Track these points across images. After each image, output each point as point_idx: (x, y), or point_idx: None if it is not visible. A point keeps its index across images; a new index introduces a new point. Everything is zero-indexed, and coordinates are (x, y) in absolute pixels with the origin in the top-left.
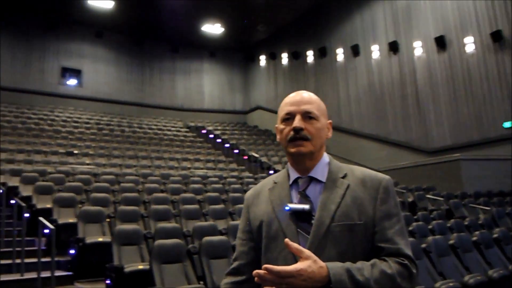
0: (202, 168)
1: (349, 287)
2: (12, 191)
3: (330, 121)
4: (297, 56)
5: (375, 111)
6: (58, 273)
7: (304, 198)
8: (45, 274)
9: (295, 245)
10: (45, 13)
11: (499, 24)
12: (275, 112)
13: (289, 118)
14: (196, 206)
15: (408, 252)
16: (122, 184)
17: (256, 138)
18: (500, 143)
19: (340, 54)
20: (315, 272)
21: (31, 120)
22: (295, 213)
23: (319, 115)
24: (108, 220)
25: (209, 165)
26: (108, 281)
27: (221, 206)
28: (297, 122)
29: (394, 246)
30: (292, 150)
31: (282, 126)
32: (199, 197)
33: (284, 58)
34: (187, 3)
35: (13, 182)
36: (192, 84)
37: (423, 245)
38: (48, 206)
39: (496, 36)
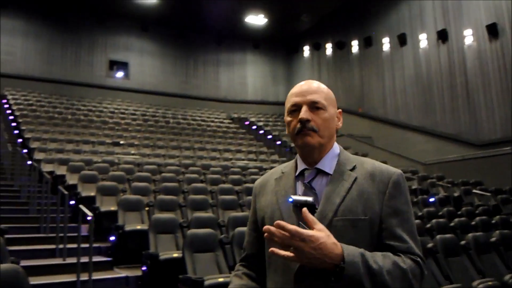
0: (243, 159)
1: (362, 271)
2: (60, 179)
3: (340, 110)
4: (341, 46)
5: (422, 102)
6: (99, 258)
7: (309, 190)
8: (86, 259)
9: (311, 216)
10: (94, 8)
11: None
12: None
13: (295, 109)
14: (233, 197)
15: (419, 251)
16: (163, 174)
17: None
18: None
19: (386, 44)
20: (327, 244)
21: (80, 111)
22: (298, 205)
23: (326, 105)
24: (147, 208)
25: (251, 156)
26: (144, 268)
27: None
28: (303, 113)
29: (404, 244)
30: (299, 142)
31: (289, 118)
32: (237, 187)
33: (328, 48)
34: None
35: (61, 171)
36: (236, 75)
37: (462, 242)
38: (92, 194)
39: None
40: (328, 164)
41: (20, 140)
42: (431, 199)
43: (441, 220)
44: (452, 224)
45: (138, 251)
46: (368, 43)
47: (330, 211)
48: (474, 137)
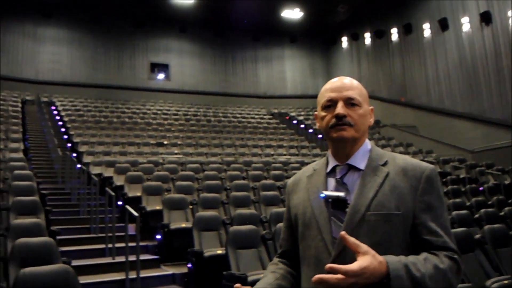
0: (285, 154)
1: (406, 284)
2: (107, 181)
3: (371, 107)
4: (380, 35)
5: (468, 88)
6: (146, 256)
7: (341, 185)
8: (134, 257)
9: (352, 239)
10: (133, 13)
11: None
12: None
13: (330, 105)
14: (275, 193)
15: (454, 246)
16: (206, 172)
17: None
18: None
19: (427, 30)
20: (376, 269)
21: (125, 114)
22: (330, 201)
23: (361, 101)
24: (190, 207)
25: (292, 151)
26: (189, 265)
27: None
28: (340, 108)
29: (440, 239)
30: (334, 135)
31: (323, 113)
32: (279, 183)
33: (367, 38)
34: None
35: (108, 172)
36: (274, 71)
37: None
38: (138, 194)
39: None
40: (359, 159)
41: (69, 144)
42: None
43: (490, 209)
44: (502, 213)
45: (183, 249)
46: (408, 30)
47: (363, 205)
48: None
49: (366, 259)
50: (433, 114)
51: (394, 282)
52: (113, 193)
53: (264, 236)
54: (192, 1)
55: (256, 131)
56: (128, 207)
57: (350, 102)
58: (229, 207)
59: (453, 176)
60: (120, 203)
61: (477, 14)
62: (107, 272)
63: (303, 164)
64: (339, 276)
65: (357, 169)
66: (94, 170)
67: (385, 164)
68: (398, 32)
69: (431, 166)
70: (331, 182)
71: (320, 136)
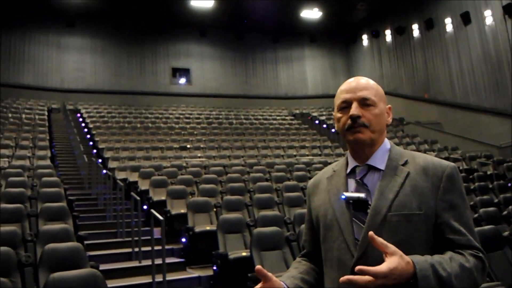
0: (307, 155)
1: (433, 284)
2: (132, 186)
3: (389, 106)
4: (401, 32)
5: (493, 82)
6: (172, 259)
7: (361, 186)
8: (160, 261)
9: (380, 239)
10: (154, 19)
11: None
12: None
13: (345, 106)
14: (299, 194)
15: (478, 244)
16: (229, 175)
17: None
18: None
19: (449, 24)
20: (404, 269)
21: (148, 119)
22: (350, 202)
23: (377, 101)
24: (214, 209)
25: (315, 151)
26: (215, 268)
27: None
28: (354, 109)
29: (464, 237)
30: (351, 137)
31: (339, 115)
32: (302, 184)
33: (388, 35)
34: None
35: (133, 177)
36: (295, 71)
37: None
38: (163, 198)
39: None
40: (379, 160)
41: (94, 150)
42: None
43: None
44: None
45: (208, 251)
46: (429, 25)
47: (384, 206)
48: None
49: (394, 260)
50: (458, 110)
51: (421, 283)
52: (138, 198)
53: (288, 238)
54: (212, 5)
55: (278, 132)
56: (153, 211)
57: (364, 103)
58: (252, 209)
59: (480, 173)
60: (145, 207)
61: (500, 6)
62: (134, 276)
63: (326, 164)
64: (368, 277)
65: (377, 169)
66: (120, 175)
67: (405, 163)
68: (420, 28)
69: (452, 164)
70: (352, 183)
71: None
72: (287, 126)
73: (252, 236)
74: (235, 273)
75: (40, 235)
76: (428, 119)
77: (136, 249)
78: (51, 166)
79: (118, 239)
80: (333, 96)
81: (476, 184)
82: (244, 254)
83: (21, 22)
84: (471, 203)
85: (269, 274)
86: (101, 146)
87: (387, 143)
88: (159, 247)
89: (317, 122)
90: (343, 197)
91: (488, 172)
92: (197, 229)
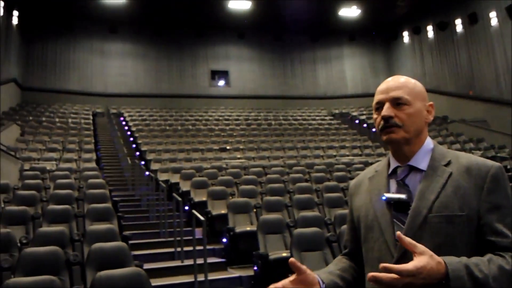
0: (347, 155)
1: (468, 285)
2: (174, 187)
3: (430, 103)
4: (443, 27)
5: None
6: (213, 259)
7: (402, 187)
8: (202, 261)
9: (408, 239)
10: (193, 23)
11: None
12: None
13: (379, 107)
14: (339, 194)
15: None
16: (268, 176)
17: None
18: None
19: (493, 18)
20: (433, 269)
21: (188, 122)
22: (391, 203)
23: (411, 100)
24: (254, 210)
25: (355, 151)
26: (255, 268)
27: None
28: (385, 110)
29: (506, 239)
30: (384, 137)
31: (375, 116)
32: (342, 184)
33: (430, 31)
34: None
35: (175, 179)
36: (334, 71)
37: None
38: (204, 199)
39: None
40: (421, 160)
41: (137, 153)
42: None
43: None
44: None
45: (249, 252)
46: (473, 20)
47: (425, 207)
48: None
49: (423, 259)
50: (504, 106)
51: (454, 283)
52: (180, 199)
53: (329, 238)
54: (249, 7)
55: (317, 132)
56: (194, 211)
57: (397, 102)
58: (292, 210)
59: None
60: (187, 208)
61: None
62: (176, 275)
63: (367, 164)
64: (393, 275)
65: (419, 170)
66: (162, 176)
67: (448, 164)
68: (463, 23)
69: (497, 164)
70: (393, 184)
71: None
72: (327, 126)
73: (292, 237)
74: (276, 274)
75: (87, 235)
76: (473, 116)
77: (179, 249)
78: (97, 168)
79: (161, 239)
80: (373, 95)
81: None
82: (284, 254)
83: (66, 31)
84: None
85: (303, 266)
86: (143, 148)
87: (429, 143)
88: (201, 247)
89: (357, 121)
90: (384, 198)
91: None
92: (238, 229)
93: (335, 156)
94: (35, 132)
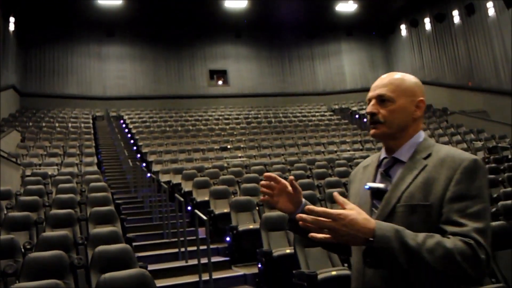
0: (348, 150)
1: (394, 246)
2: (176, 188)
3: (421, 98)
4: (441, 19)
5: None
6: (217, 258)
7: (384, 178)
8: (206, 260)
9: (341, 198)
10: (191, 23)
11: None
12: (422, 84)
13: (369, 103)
14: (341, 189)
15: (477, 236)
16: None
17: None
18: None
19: (490, 8)
20: (358, 220)
21: (188, 122)
22: (373, 192)
23: (394, 97)
24: (257, 208)
25: (356, 146)
26: (259, 265)
27: None
28: (369, 107)
29: (458, 228)
30: (370, 133)
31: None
32: (344, 180)
33: (427, 23)
34: None
35: (176, 179)
36: (332, 66)
37: None
38: (206, 198)
39: None
40: (405, 153)
41: (138, 155)
42: None
43: None
44: None
45: (253, 249)
46: (470, 10)
47: (394, 198)
48: None
49: (348, 210)
50: (504, 96)
51: (378, 241)
52: (182, 199)
53: None
54: (245, 5)
55: (317, 128)
56: (197, 211)
57: (381, 99)
58: None
59: None
60: (189, 208)
61: None
62: (181, 275)
63: None
64: (315, 217)
65: (402, 162)
66: (163, 178)
67: (427, 156)
68: (460, 14)
69: (473, 156)
70: (379, 174)
71: None
72: (327, 122)
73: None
74: (280, 270)
75: (91, 238)
76: (473, 107)
77: (182, 249)
78: (98, 171)
79: (164, 240)
80: None
81: None
82: (288, 251)
83: (63, 36)
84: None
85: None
86: (144, 150)
87: (419, 137)
88: (204, 247)
89: (357, 116)
90: (366, 187)
91: None
92: (241, 227)
93: (336, 151)
94: (36, 138)
